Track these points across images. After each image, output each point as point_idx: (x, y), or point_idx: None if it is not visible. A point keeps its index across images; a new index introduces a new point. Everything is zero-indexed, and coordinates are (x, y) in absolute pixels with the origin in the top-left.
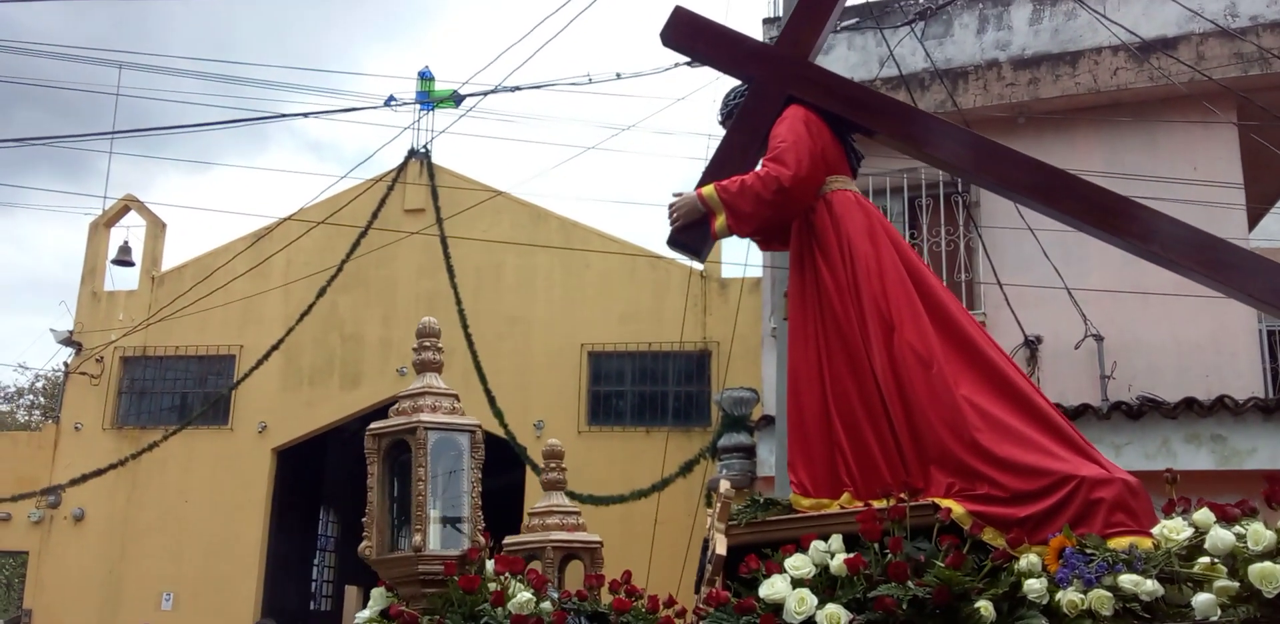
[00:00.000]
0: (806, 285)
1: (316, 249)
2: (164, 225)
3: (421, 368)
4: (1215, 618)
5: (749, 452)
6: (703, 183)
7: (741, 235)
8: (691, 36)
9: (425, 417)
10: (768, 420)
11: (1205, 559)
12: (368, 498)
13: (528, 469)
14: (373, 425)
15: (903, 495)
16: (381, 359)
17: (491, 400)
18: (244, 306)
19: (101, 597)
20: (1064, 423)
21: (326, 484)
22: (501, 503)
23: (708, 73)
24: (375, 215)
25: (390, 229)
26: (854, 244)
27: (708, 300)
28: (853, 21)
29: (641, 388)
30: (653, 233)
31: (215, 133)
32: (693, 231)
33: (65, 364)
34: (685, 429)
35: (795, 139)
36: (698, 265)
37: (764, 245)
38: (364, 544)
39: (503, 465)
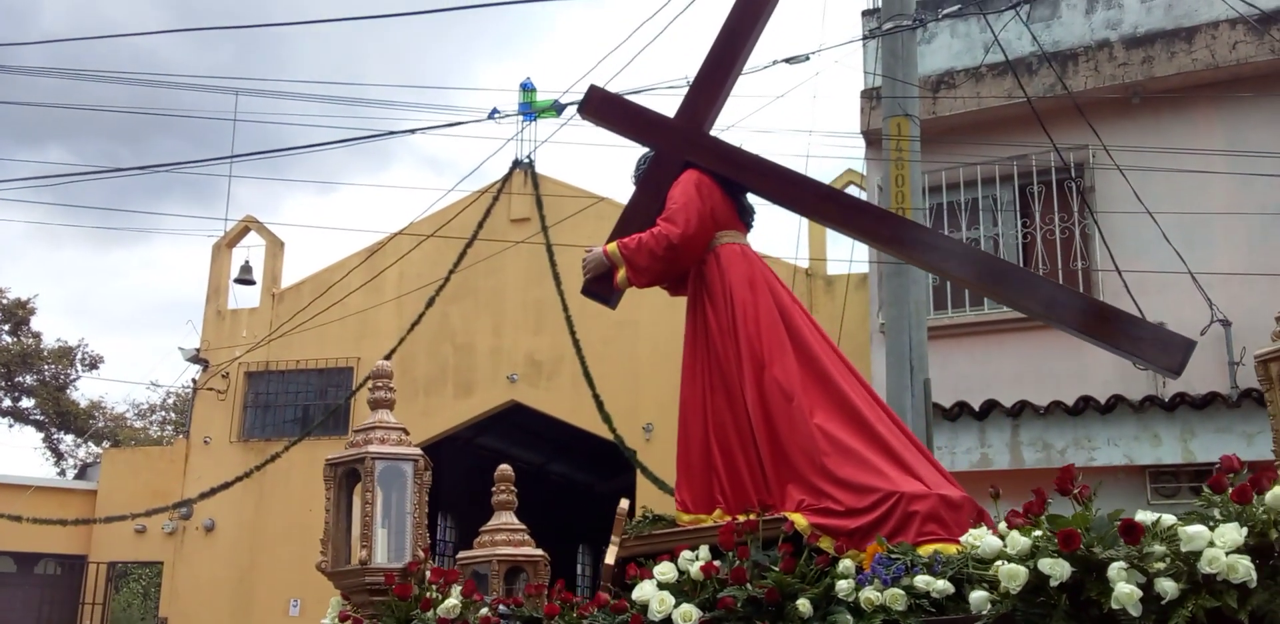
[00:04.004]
0: (697, 328)
1: (427, 262)
2: (282, 244)
3: (374, 405)
4: (986, 611)
5: None
6: (612, 238)
7: (639, 286)
8: (604, 111)
9: (373, 448)
10: None
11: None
12: (344, 511)
13: (638, 472)
14: (329, 457)
15: (757, 511)
16: (493, 367)
17: (600, 405)
18: (360, 320)
19: (232, 604)
20: (898, 444)
21: (443, 490)
22: (613, 506)
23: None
24: (481, 226)
25: (497, 239)
26: (735, 292)
27: (813, 298)
28: (954, 8)
29: None
30: (756, 231)
31: (338, 153)
32: (601, 283)
33: (193, 381)
34: None
35: (686, 201)
36: (803, 263)
37: (671, 292)
38: (320, 559)
39: (613, 469)
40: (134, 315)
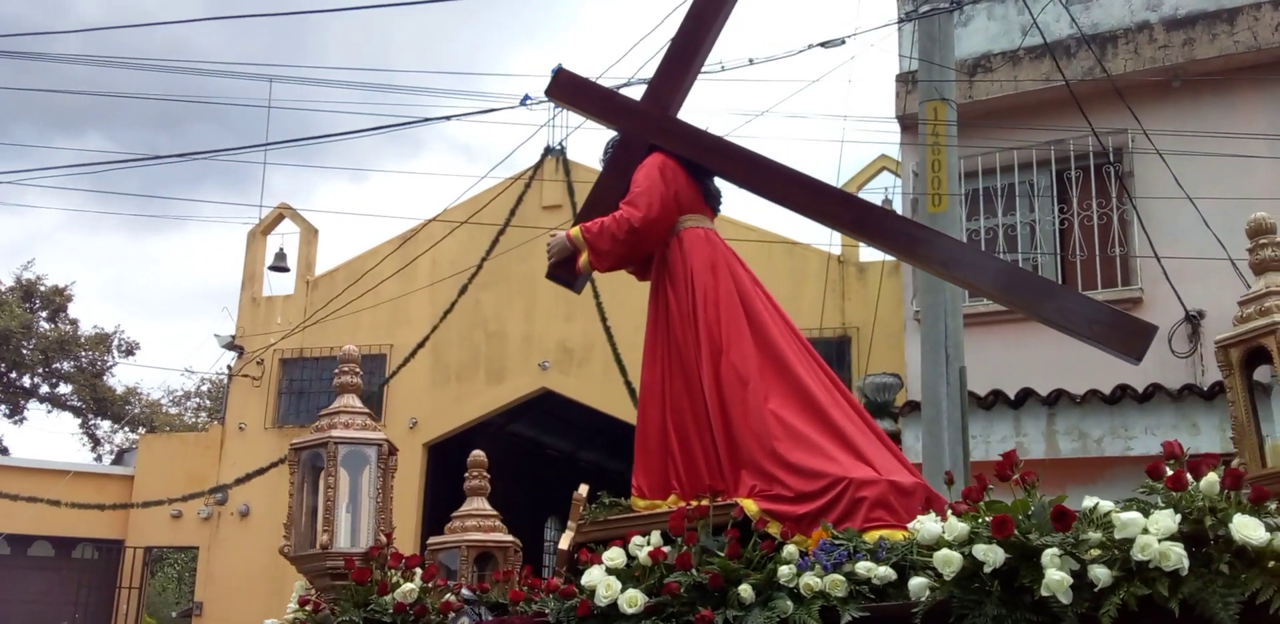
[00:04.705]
0: (659, 312)
1: (460, 249)
2: (316, 231)
3: (341, 390)
4: (924, 598)
5: (894, 438)
6: (578, 221)
7: (601, 270)
8: (571, 93)
9: (337, 433)
10: (912, 406)
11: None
12: (294, 501)
13: None
14: (294, 441)
15: (708, 496)
16: (524, 354)
17: (631, 392)
18: (393, 307)
19: (267, 588)
20: (852, 430)
21: None
22: None
23: (841, 53)
24: (513, 213)
25: (529, 226)
26: (696, 276)
27: (846, 285)
28: None
29: None
30: (789, 219)
31: (371, 140)
32: (565, 267)
33: (229, 367)
34: None
35: (649, 184)
36: (835, 250)
37: (638, 276)
38: (283, 544)
39: None
40: (170, 302)
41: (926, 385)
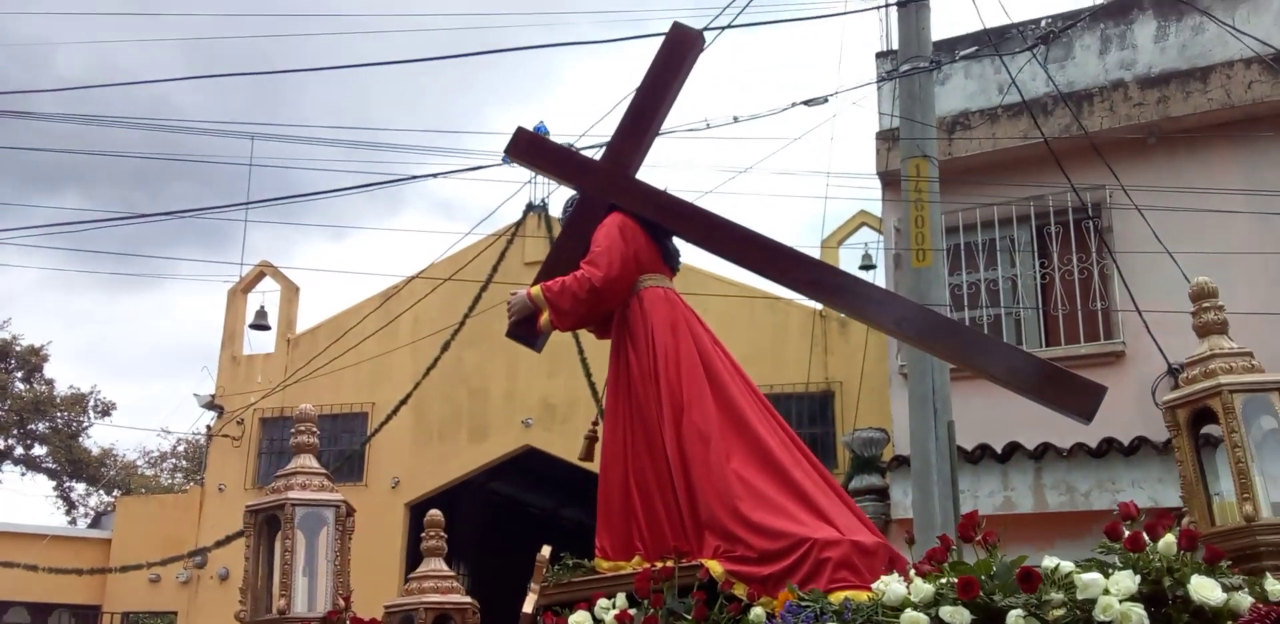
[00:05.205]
0: (620, 372)
1: (442, 306)
2: (297, 289)
3: (297, 450)
4: None
5: (882, 493)
6: (538, 280)
7: (562, 329)
8: (530, 152)
9: (294, 494)
10: (900, 461)
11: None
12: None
13: None
14: (249, 503)
15: (673, 558)
16: (507, 411)
17: None
18: (375, 365)
19: None
20: (814, 490)
21: (457, 537)
22: None
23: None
24: (495, 269)
25: (511, 282)
26: (656, 336)
27: (828, 340)
28: (971, 50)
29: None
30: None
31: (353, 198)
32: (526, 326)
33: (208, 427)
34: None
35: (609, 244)
36: (818, 304)
37: (598, 334)
38: (239, 609)
39: None
40: (147, 361)
41: (915, 440)
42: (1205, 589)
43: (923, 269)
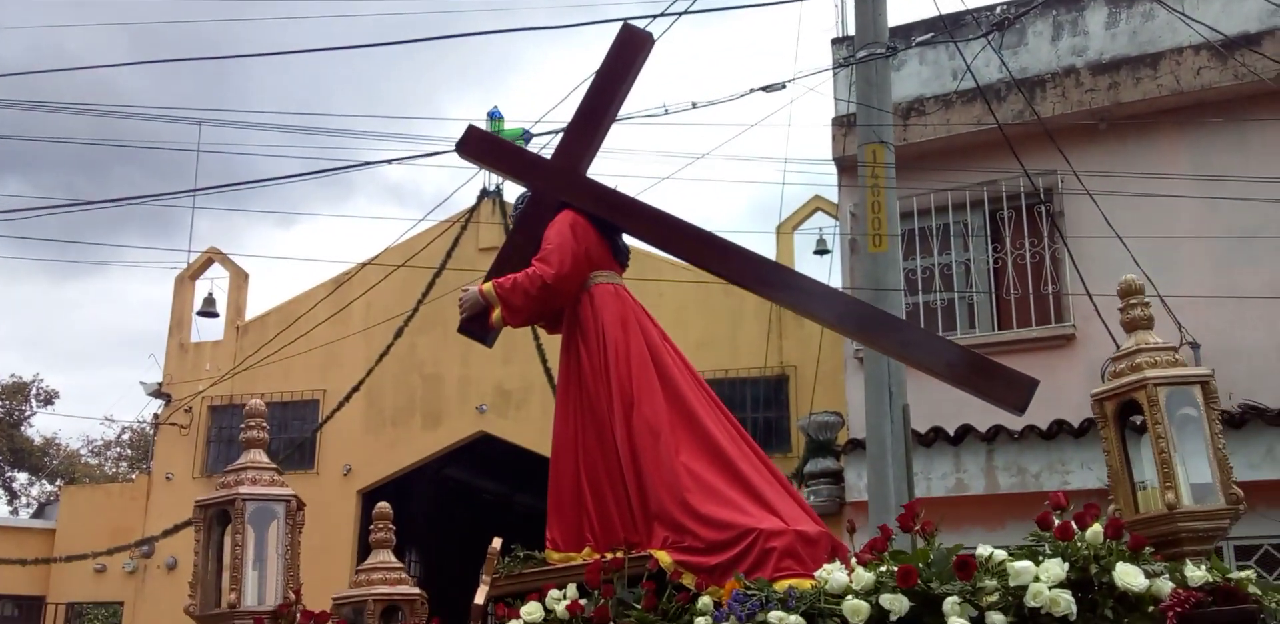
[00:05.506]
0: (570, 367)
1: (395, 293)
2: (246, 276)
3: (247, 445)
4: None
5: (836, 477)
6: (489, 277)
7: (514, 325)
8: (481, 150)
9: (244, 489)
10: (854, 444)
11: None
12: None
13: None
14: (198, 498)
15: (623, 549)
16: (461, 398)
17: None
18: (326, 352)
19: None
20: (760, 481)
21: (410, 524)
22: None
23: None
24: (449, 255)
25: (465, 269)
26: (607, 332)
27: (783, 325)
28: (926, 36)
29: None
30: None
31: (302, 184)
32: (478, 321)
33: (155, 416)
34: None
35: (560, 241)
36: None
37: (549, 329)
38: (188, 602)
39: None
40: (91, 350)
41: (870, 424)
42: (1129, 576)
43: (878, 254)
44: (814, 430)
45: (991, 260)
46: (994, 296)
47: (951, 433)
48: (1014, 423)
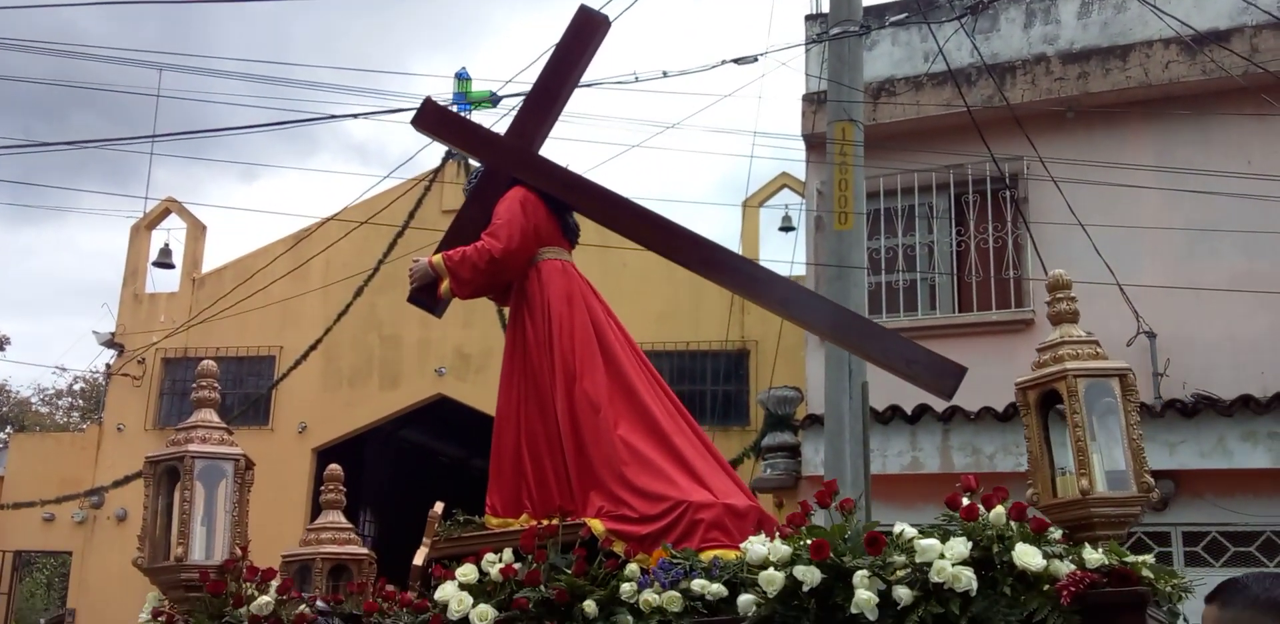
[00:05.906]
0: (516, 339)
1: (356, 251)
2: (204, 228)
3: (198, 404)
4: (750, 613)
5: (793, 451)
6: (440, 249)
7: (462, 297)
8: (437, 124)
9: (194, 447)
10: (813, 419)
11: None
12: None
13: None
14: (149, 454)
15: (558, 516)
16: (420, 359)
17: None
18: (283, 308)
19: (143, 596)
20: (693, 456)
21: (365, 484)
22: None
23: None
24: (412, 216)
25: (428, 228)
26: (552, 306)
27: (745, 299)
28: (900, 17)
29: (679, 387)
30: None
31: (264, 137)
32: (427, 292)
33: (107, 366)
34: (724, 429)
35: (510, 217)
36: None
37: (498, 302)
38: (136, 555)
39: None
40: (43, 297)
41: (829, 400)
42: (1027, 556)
43: (844, 232)
44: (773, 405)
45: (955, 243)
46: (956, 279)
47: (909, 412)
48: (971, 404)
